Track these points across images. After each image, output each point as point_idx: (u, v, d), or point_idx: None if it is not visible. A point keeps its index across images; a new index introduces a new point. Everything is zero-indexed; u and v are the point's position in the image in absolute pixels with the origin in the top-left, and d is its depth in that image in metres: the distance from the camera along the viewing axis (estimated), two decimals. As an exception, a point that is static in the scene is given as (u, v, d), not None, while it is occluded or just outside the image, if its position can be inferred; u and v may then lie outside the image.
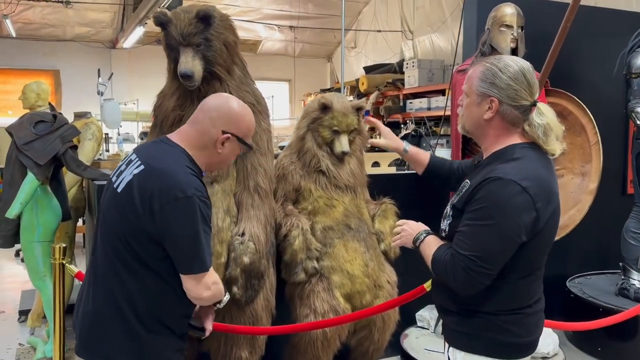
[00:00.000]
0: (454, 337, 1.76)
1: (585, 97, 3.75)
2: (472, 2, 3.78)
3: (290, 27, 11.38)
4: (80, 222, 4.51)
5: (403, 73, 8.33)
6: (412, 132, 7.11)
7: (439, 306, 1.87)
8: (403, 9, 9.71)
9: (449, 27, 8.43)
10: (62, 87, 10.78)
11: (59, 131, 3.40)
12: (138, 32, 9.13)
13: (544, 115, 1.65)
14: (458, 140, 3.52)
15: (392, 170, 4.06)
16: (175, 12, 2.52)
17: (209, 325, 1.93)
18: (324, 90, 10.76)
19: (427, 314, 3.76)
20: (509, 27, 3.37)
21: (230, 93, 2.42)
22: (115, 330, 1.69)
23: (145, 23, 8.60)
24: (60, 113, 3.64)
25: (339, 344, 2.84)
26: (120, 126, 7.52)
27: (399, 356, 3.50)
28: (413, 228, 1.84)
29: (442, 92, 7.44)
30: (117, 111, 5.70)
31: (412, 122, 7.56)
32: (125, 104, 9.52)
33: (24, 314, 4.34)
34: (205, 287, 1.72)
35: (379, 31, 10.33)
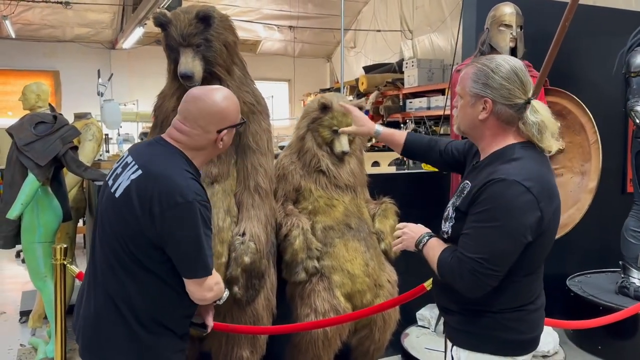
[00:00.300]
0: (457, 336, 1.77)
1: (584, 96, 3.76)
2: (472, 2, 3.78)
3: (290, 27, 11.38)
4: (80, 223, 4.52)
5: (402, 73, 8.35)
6: (412, 132, 7.11)
7: (440, 306, 1.87)
8: (402, 8, 9.71)
9: (448, 27, 8.43)
10: (61, 87, 10.79)
11: (60, 132, 3.40)
12: (137, 32, 9.14)
13: (538, 113, 1.65)
14: (458, 139, 3.52)
15: (392, 169, 4.07)
16: (175, 13, 2.52)
17: (210, 322, 1.94)
18: (323, 90, 10.77)
19: (428, 313, 3.76)
20: (508, 26, 3.37)
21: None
22: (116, 333, 1.69)
23: (145, 24, 8.60)
24: (61, 114, 3.64)
25: (340, 343, 2.84)
26: (121, 127, 7.54)
27: (399, 355, 3.50)
28: (414, 231, 1.83)
29: (441, 92, 7.45)
30: (117, 112, 5.70)
31: (412, 122, 7.56)
32: (124, 105, 9.53)
33: (25, 314, 4.34)
34: (209, 289, 1.73)
35: (379, 31, 10.33)
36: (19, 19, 9.76)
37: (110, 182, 1.77)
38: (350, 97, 8.62)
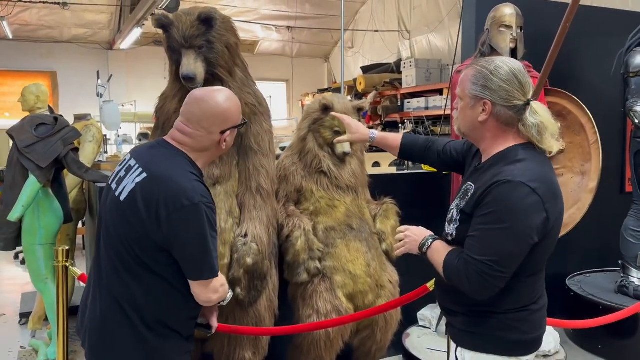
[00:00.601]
0: (461, 337, 1.77)
1: (583, 96, 3.77)
2: (471, 3, 3.79)
3: (288, 27, 11.38)
4: (79, 224, 4.51)
5: (400, 73, 8.36)
6: (410, 132, 7.13)
7: (444, 307, 1.88)
8: (400, 8, 9.73)
9: (446, 27, 8.45)
10: (59, 88, 10.75)
11: (61, 134, 3.40)
12: (135, 33, 9.12)
13: (538, 114, 1.65)
14: (458, 140, 3.53)
15: (393, 170, 4.08)
16: (177, 15, 2.53)
17: (214, 322, 1.94)
18: (321, 91, 10.78)
19: (429, 313, 3.77)
20: (509, 27, 3.38)
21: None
22: (122, 335, 1.69)
23: (143, 24, 8.58)
24: (61, 115, 3.64)
25: (342, 344, 2.84)
26: (120, 128, 7.53)
27: (400, 355, 3.51)
28: (416, 234, 1.82)
29: (439, 92, 7.47)
30: (116, 113, 5.71)
31: (410, 122, 7.58)
32: (122, 105, 9.51)
33: (24, 316, 4.33)
34: (214, 291, 1.74)
35: (376, 31, 10.34)
36: (16, 19, 9.73)
37: (114, 186, 1.77)
38: (349, 98, 8.64)
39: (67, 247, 2.58)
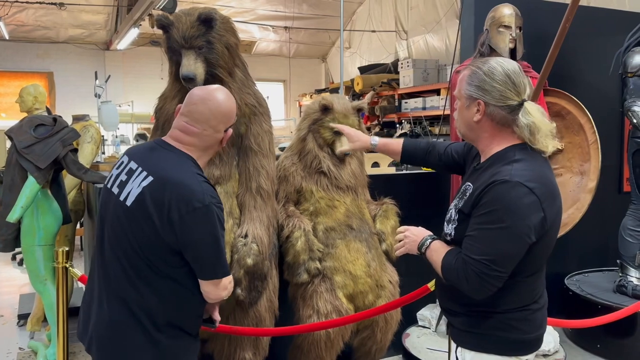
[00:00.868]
0: (462, 337, 1.78)
1: (582, 96, 3.78)
2: (470, 3, 3.80)
3: (285, 27, 11.38)
4: (77, 225, 4.50)
5: (398, 73, 8.37)
6: (408, 132, 7.14)
7: (444, 308, 1.88)
8: (397, 9, 9.74)
9: (443, 27, 8.47)
10: (55, 89, 10.72)
11: (60, 134, 3.38)
12: (132, 33, 9.09)
13: (530, 114, 1.65)
14: (458, 140, 3.54)
15: (392, 170, 4.08)
16: (177, 15, 2.52)
17: (217, 316, 1.95)
18: (319, 91, 10.78)
19: (428, 313, 3.78)
20: (508, 27, 3.39)
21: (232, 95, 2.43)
22: (134, 340, 1.69)
23: (140, 24, 8.56)
24: (60, 116, 3.63)
25: (342, 344, 2.85)
26: (118, 129, 7.52)
27: (400, 355, 3.52)
28: (416, 234, 1.83)
29: (437, 92, 7.48)
30: (114, 114, 5.70)
31: (408, 122, 7.58)
32: (120, 106, 9.50)
33: (23, 318, 4.31)
34: (224, 288, 1.76)
35: (374, 31, 10.36)
36: (12, 20, 9.70)
37: (115, 190, 1.75)
38: (347, 98, 8.64)
39: (67, 248, 2.57)
